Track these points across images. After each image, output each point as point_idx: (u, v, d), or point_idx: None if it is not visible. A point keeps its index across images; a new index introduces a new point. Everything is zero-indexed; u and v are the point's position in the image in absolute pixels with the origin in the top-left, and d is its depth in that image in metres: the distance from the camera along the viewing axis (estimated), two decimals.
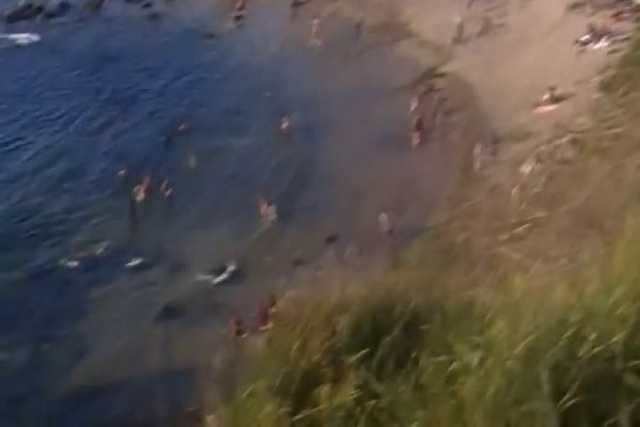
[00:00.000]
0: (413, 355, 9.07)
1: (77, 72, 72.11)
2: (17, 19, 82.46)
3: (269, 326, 24.01)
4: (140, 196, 52.38)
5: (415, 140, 55.97)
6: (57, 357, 40.48)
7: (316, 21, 73.12)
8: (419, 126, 56.53)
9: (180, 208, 52.24)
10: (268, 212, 50.28)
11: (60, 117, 64.97)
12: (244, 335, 38.24)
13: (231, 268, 46.16)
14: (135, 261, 47.30)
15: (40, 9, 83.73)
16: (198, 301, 43.67)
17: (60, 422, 35.57)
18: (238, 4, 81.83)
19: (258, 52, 71.84)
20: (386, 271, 22.82)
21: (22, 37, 78.95)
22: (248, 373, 10.63)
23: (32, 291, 45.27)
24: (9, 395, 37.04)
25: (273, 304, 39.21)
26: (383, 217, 46.32)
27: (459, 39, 67.92)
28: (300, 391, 9.48)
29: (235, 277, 45.65)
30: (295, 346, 9.83)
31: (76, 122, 64.01)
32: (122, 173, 54.64)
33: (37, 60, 75.11)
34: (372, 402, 8.66)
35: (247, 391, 9.90)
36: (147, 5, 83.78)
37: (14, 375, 38.92)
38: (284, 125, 59.75)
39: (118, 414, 35.15)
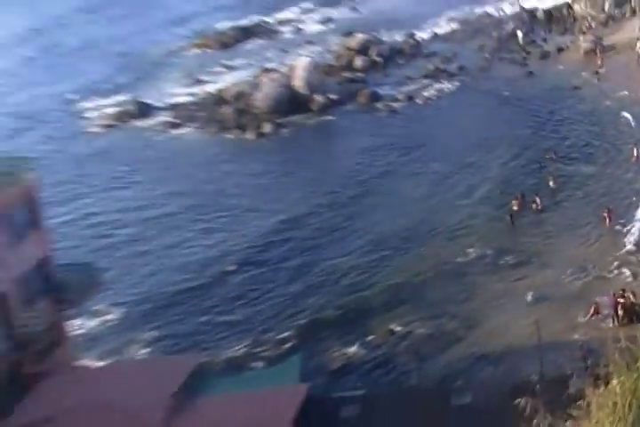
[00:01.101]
0: None
1: (483, 114, 74.66)
2: (426, 77, 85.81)
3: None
4: (516, 208, 55.56)
5: None
6: (451, 329, 44.45)
7: None
8: None
9: (546, 219, 54.98)
10: (612, 224, 51.98)
11: (449, 150, 67.97)
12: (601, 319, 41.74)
13: (586, 266, 48.00)
14: (512, 259, 50.40)
15: (444, 71, 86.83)
16: (562, 290, 45.82)
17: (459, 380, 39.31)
18: (599, 62, 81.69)
19: (611, 100, 72.41)
20: None
21: (439, 88, 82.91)
22: None
23: (434, 280, 49.31)
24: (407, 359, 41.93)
25: (622, 296, 41.09)
26: None
27: None
28: None
29: (588, 275, 47.17)
30: None
31: (467, 152, 66.70)
32: (502, 190, 58.36)
33: (450, 105, 78.77)
34: None
35: None
36: (523, 65, 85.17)
37: (412, 345, 43.28)
38: (634, 153, 59.95)
39: (502, 376, 38.31)
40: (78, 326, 46.26)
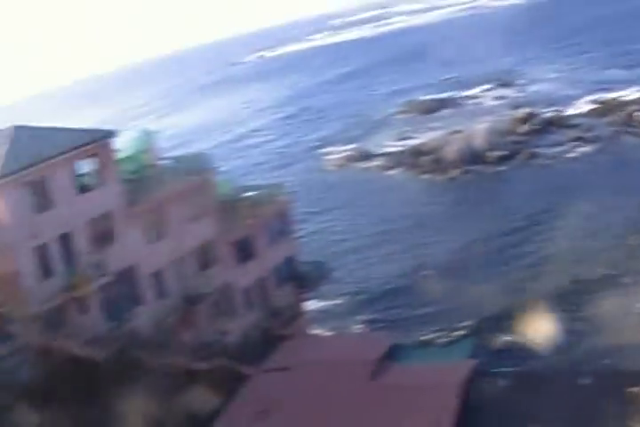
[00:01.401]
0: None
1: (612, 170, 70.66)
2: (571, 142, 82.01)
3: None
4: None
5: None
6: (579, 328, 42.22)
7: None
8: None
9: None
10: None
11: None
12: None
13: None
14: (628, 279, 47.52)
15: (583, 138, 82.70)
16: None
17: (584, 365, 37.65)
18: None
19: None
20: None
21: (580, 150, 79.76)
22: None
23: (570, 290, 46.97)
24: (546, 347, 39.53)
25: None
26: None
27: None
28: None
29: None
30: None
31: (603, 198, 62.08)
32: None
33: (589, 163, 75.03)
34: None
35: None
36: None
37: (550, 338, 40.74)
38: None
39: (617, 366, 36.56)
40: (312, 305, 46.42)
